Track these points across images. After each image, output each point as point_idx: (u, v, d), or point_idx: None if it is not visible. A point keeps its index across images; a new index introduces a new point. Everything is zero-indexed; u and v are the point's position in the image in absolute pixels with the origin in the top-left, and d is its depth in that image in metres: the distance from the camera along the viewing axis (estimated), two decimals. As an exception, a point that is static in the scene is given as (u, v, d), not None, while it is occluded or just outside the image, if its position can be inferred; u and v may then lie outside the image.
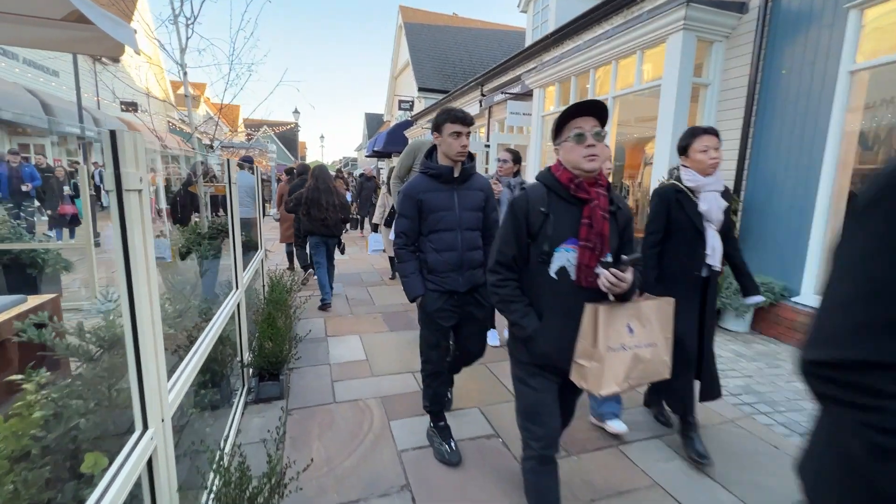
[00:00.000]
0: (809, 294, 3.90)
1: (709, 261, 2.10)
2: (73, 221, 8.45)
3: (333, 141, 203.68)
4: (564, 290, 1.39)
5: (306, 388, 2.91)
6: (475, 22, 20.59)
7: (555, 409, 1.51)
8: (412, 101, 17.32)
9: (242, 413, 2.54)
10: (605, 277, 1.32)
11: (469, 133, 2.03)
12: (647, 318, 1.33)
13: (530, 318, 1.43)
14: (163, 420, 1.24)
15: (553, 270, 1.39)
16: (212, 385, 2.25)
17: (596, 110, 1.40)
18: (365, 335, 3.89)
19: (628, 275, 1.31)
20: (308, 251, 5.33)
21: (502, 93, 8.40)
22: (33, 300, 2.54)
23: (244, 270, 2.97)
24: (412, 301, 2.10)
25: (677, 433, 2.32)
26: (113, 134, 1.03)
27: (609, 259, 1.36)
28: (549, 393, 1.50)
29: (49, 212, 7.97)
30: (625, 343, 1.31)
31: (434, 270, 2.05)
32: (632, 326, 1.30)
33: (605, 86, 5.93)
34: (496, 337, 3.71)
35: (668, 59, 4.73)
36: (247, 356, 2.73)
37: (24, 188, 7.71)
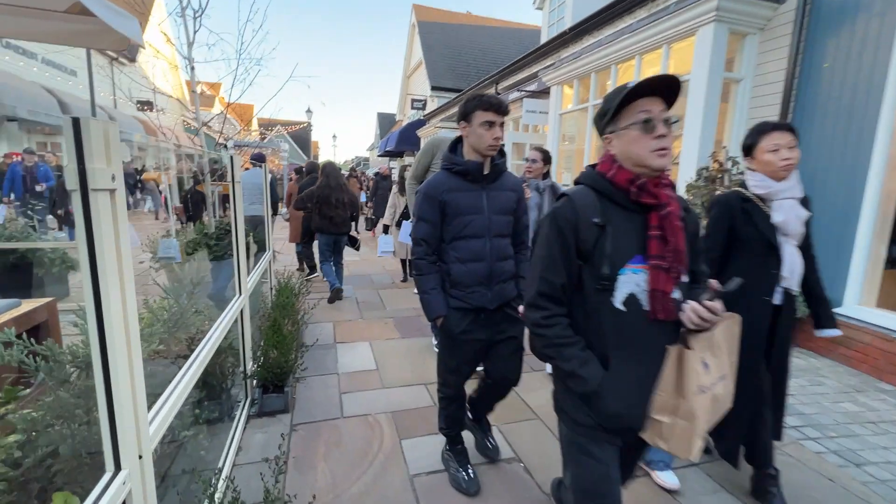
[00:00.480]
0: (853, 305, 3.61)
1: (785, 284, 1.73)
2: None
3: (346, 140, 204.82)
4: (635, 326, 1.08)
5: (313, 400, 2.74)
6: (489, 20, 20.36)
7: (618, 482, 1.20)
8: (425, 100, 17.17)
9: (244, 428, 2.38)
10: (694, 313, 1.03)
11: (503, 123, 1.74)
12: (718, 346, 1.08)
13: (592, 366, 1.09)
14: (141, 457, 1.07)
15: (619, 300, 1.07)
16: (210, 399, 2.09)
17: (664, 88, 1.08)
18: (375, 342, 3.71)
19: (719, 305, 1.03)
20: (316, 249, 5.29)
21: (518, 90, 8.17)
22: (27, 304, 2.41)
23: (249, 274, 2.81)
24: (432, 321, 1.84)
25: (750, 482, 1.98)
26: (76, 122, 0.86)
27: (685, 280, 1.09)
28: (614, 464, 1.18)
29: (60, 211, 7.98)
30: (703, 384, 1.04)
31: (458, 284, 1.76)
32: (707, 361, 1.05)
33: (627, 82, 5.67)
34: None
35: (698, 53, 4.46)
36: (250, 366, 2.57)
37: (38, 188, 7.71)
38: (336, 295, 4.79)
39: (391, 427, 2.47)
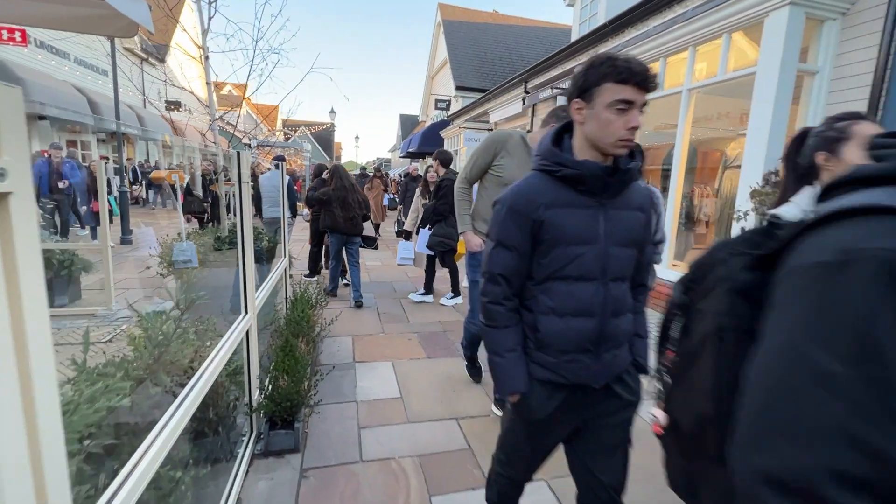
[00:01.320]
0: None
1: None
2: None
3: (368, 142, 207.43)
4: None
5: (327, 435, 2.37)
6: (516, 19, 19.91)
7: None
8: (448, 101, 16.83)
9: (246, 472, 2.02)
10: None
11: (645, 105, 1.09)
12: None
13: None
14: None
15: None
16: (202, 443, 1.73)
17: None
18: (398, 362, 3.33)
19: None
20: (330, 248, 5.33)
21: (552, 88, 7.71)
22: None
23: (259, 289, 2.46)
24: (504, 396, 1.28)
25: None
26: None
27: None
28: None
29: (83, 209, 7.90)
30: None
31: (548, 346, 1.17)
32: None
33: (677, 77, 5.15)
34: None
35: (767, 41, 3.94)
36: (256, 396, 2.21)
37: (60, 185, 7.63)
38: (331, 294, 4.96)
39: (419, 477, 2.06)
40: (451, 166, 5.03)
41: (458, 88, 15.84)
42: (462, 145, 13.40)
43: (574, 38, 10.13)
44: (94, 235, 8.27)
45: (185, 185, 8.66)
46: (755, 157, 4.05)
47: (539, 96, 8.87)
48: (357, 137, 38.13)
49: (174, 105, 16.62)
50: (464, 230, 2.59)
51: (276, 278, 3.02)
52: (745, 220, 3.97)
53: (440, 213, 4.52)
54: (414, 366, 3.29)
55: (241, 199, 2.04)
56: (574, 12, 11.42)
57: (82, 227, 8.07)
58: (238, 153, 1.98)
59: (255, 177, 9.00)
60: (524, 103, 9.87)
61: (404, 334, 3.93)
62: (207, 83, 3.43)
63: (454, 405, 2.71)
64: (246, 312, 2.11)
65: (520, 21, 19.68)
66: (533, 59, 15.57)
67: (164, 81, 5.66)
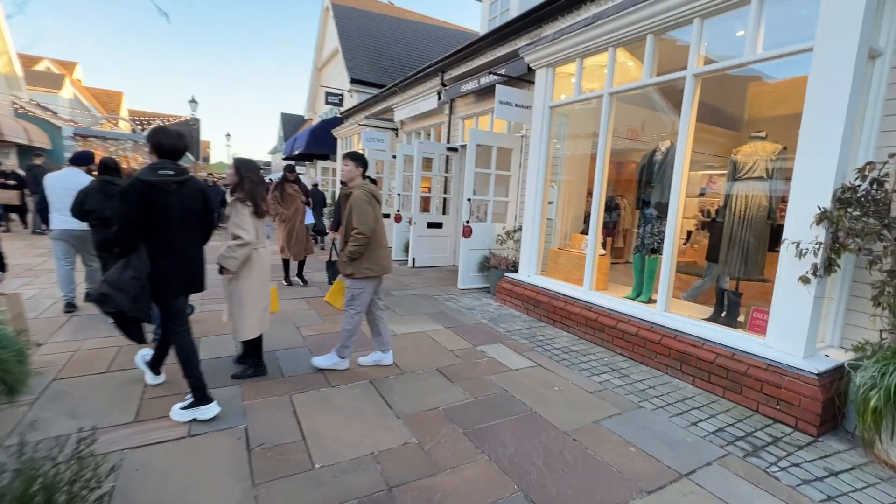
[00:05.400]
0: None
1: None
2: None
3: (242, 140, 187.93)
4: None
5: None
6: (413, 14, 18.44)
7: None
8: (342, 95, 14.53)
9: None
10: None
11: None
12: None
13: None
14: None
15: None
16: None
17: None
18: None
19: None
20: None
21: (491, 73, 6.15)
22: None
23: None
24: None
25: None
26: None
27: None
28: None
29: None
30: None
31: None
32: None
33: (673, 58, 3.93)
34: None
35: (830, 9, 2.81)
36: None
37: None
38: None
39: None
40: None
41: (354, 82, 13.67)
42: (361, 147, 11.29)
43: (481, 34, 8.90)
44: None
45: None
46: (815, 170, 2.89)
47: (461, 89, 7.31)
48: (228, 136, 32.94)
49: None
50: None
51: None
52: (814, 254, 2.80)
53: (125, 242, 2.36)
54: None
55: None
56: (482, 7, 10.37)
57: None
58: None
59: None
60: (440, 98, 8.25)
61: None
62: None
63: None
64: None
65: (418, 17, 18.26)
66: (434, 59, 14.12)
67: None
